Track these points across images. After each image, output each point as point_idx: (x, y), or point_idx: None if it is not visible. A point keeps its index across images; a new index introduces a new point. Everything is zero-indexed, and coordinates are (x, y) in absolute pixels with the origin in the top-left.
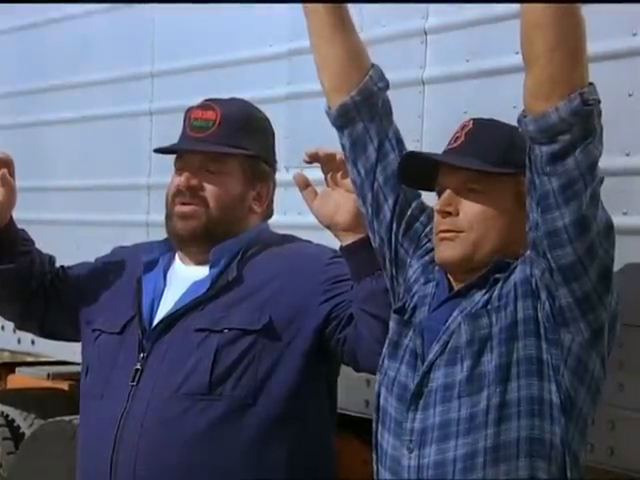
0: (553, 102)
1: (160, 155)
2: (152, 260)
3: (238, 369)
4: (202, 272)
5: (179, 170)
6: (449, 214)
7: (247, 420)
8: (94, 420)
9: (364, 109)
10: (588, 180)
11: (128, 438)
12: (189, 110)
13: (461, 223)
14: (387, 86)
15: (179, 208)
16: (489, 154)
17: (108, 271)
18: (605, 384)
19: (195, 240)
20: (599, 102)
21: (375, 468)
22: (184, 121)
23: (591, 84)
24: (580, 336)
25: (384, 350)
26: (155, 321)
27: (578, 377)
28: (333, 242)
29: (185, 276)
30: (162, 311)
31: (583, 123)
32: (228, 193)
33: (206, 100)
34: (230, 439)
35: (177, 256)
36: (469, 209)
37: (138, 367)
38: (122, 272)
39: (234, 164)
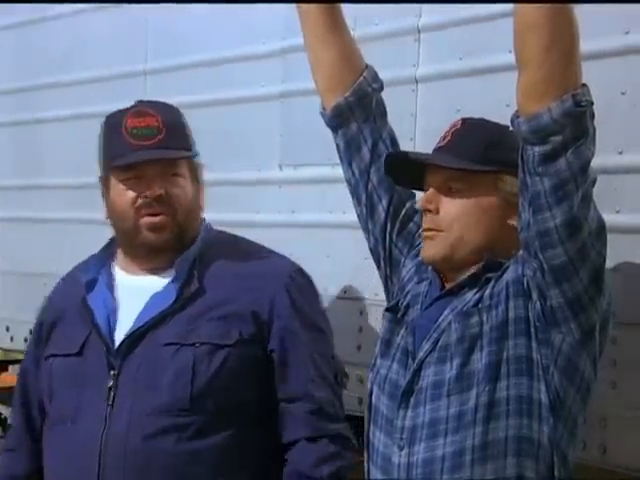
0: (546, 103)
1: None
2: (91, 279)
3: (217, 382)
4: (156, 281)
5: (133, 180)
6: (430, 212)
7: (232, 432)
8: (68, 445)
9: (358, 110)
10: (580, 181)
11: (113, 459)
12: (120, 119)
13: (441, 221)
14: (381, 87)
15: (149, 219)
16: (471, 152)
17: (48, 318)
18: (598, 382)
19: (167, 250)
20: (592, 103)
21: (367, 467)
22: (113, 131)
23: (584, 85)
24: (571, 336)
25: (377, 348)
26: (117, 336)
27: (568, 377)
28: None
29: (136, 286)
30: (123, 326)
31: (575, 124)
32: (188, 197)
33: (133, 107)
34: (216, 452)
35: (116, 267)
36: (449, 207)
37: (110, 385)
38: (61, 306)
39: (185, 167)
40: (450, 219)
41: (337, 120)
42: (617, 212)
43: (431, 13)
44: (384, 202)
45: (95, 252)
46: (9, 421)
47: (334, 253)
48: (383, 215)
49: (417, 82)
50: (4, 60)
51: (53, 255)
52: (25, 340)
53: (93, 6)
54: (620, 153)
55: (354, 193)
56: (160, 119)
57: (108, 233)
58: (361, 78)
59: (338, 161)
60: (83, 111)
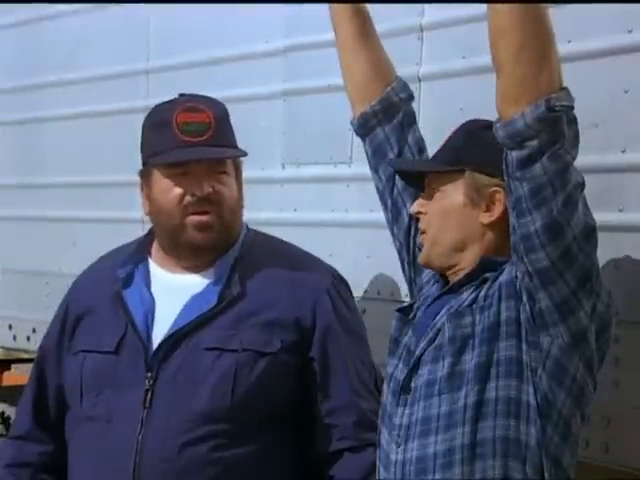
0: (521, 107)
1: None
2: (128, 274)
3: (258, 390)
4: (195, 281)
5: (180, 177)
6: (422, 214)
7: (270, 440)
8: (103, 444)
9: (384, 118)
10: (557, 186)
11: (149, 463)
12: (170, 113)
13: (425, 223)
14: (410, 97)
15: (197, 218)
16: (445, 154)
17: (72, 312)
18: (600, 381)
19: (213, 250)
20: (571, 108)
21: (377, 466)
22: (162, 125)
23: (563, 89)
24: (560, 339)
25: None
26: (155, 336)
27: (557, 380)
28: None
29: (174, 284)
30: (161, 325)
31: (550, 129)
32: (234, 196)
33: (182, 101)
34: (254, 460)
35: (154, 264)
36: (429, 208)
37: (147, 388)
38: (90, 299)
39: (231, 164)
40: (429, 220)
41: (364, 128)
42: (620, 210)
43: (434, 12)
44: (408, 206)
45: (122, 245)
46: (12, 420)
47: (336, 252)
48: (407, 219)
49: (420, 81)
50: (6, 59)
51: (56, 254)
52: (27, 339)
53: (95, 5)
54: (623, 151)
55: (381, 199)
56: (211, 115)
57: (110, 230)
58: (389, 88)
59: (340, 160)
60: (85, 110)
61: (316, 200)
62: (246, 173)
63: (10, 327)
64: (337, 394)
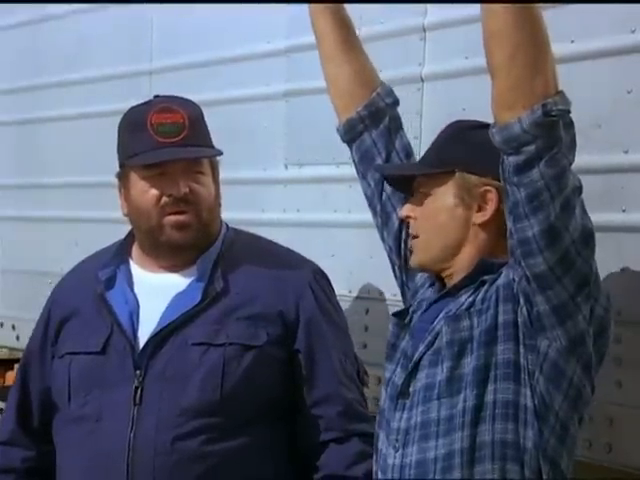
0: (517, 112)
1: None
2: (110, 276)
3: (246, 383)
4: (178, 280)
5: (157, 177)
6: (410, 217)
7: (260, 433)
8: (93, 444)
9: (371, 123)
10: (554, 191)
11: (142, 460)
12: (144, 115)
13: (415, 227)
14: (396, 102)
15: (174, 218)
16: (432, 156)
17: (55, 315)
18: (603, 381)
19: (193, 249)
20: (567, 112)
21: (374, 469)
22: (137, 127)
23: (559, 93)
24: (557, 342)
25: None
26: (141, 335)
27: (554, 383)
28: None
29: (157, 284)
30: (146, 324)
31: (547, 134)
32: (211, 195)
33: (156, 103)
34: (244, 453)
35: (135, 265)
36: (419, 213)
37: (136, 385)
38: (73, 302)
39: (207, 164)
40: (420, 224)
41: (350, 134)
42: (623, 211)
43: (437, 12)
44: (398, 210)
45: (105, 247)
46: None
47: (339, 252)
48: (397, 223)
49: (423, 81)
50: (8, 59)
51: (58, 254)
52: None
53: (97, 5)
54: (626, 152)
55: (370, 204)
56: (185, 115)
57: (112, 231)
58: (375, 94)
59: (343, 160)
60: (88, 110)
61: (319, 200)
62: (248, 174)
63: (13, 327)
64: (322, 385)
